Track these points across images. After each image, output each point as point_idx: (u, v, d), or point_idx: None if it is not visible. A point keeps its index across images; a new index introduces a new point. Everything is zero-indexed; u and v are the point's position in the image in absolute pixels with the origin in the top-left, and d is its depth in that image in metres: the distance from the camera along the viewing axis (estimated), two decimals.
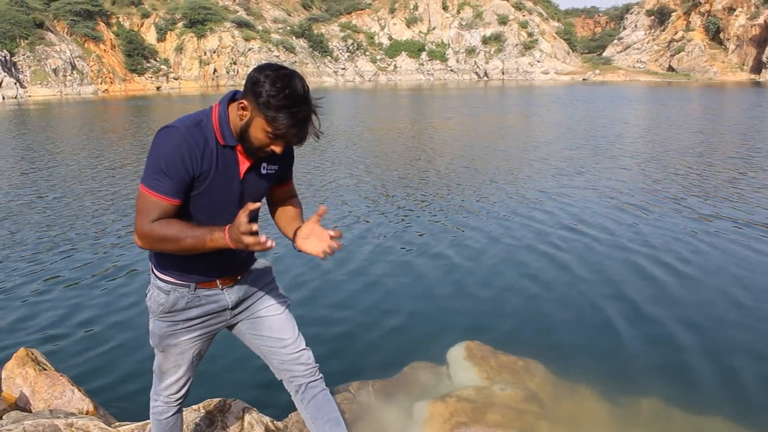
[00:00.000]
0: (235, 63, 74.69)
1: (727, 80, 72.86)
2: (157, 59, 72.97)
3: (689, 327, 5.17)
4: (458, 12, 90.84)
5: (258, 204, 2.05)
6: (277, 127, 2.02)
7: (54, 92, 56.92)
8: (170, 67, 72.75)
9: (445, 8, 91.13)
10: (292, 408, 3.84)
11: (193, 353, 2.46)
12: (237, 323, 2.51)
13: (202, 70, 73.31)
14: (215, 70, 73.64)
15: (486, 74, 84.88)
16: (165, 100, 47.36)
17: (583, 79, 78.18)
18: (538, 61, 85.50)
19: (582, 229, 8.17)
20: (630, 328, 5.18)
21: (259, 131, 2.06)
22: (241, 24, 77.18)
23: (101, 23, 68.54)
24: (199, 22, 74.76)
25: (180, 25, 75.25)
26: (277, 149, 2.11)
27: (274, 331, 2.48)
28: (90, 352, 4.97)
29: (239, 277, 2.42)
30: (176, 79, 71.52)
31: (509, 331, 5.19)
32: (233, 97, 2.18)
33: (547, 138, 18.87)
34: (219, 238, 2.02)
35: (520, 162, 13.88)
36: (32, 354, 3.87)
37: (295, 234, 2.26)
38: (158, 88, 67.74)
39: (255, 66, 2.12)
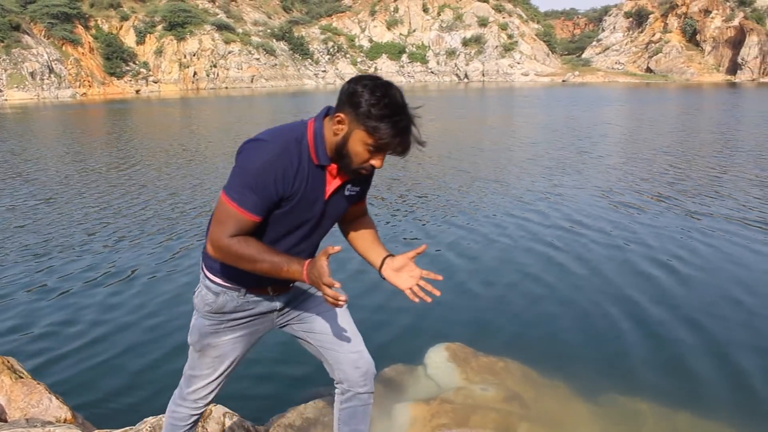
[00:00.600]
0: (215, 66, 74.29)
1: (703, 81, 73.74)
2: (137, 62, 72.36)
3: (673, 323, 5.22)
4: (438, 14, 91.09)
5: (338, 248, 1.97)
6: (379, 137, 1.93)
7: (31, 96, 56.23)
8: (150, 71, 72.18)
9: (425, 10, 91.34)
10: (272, 412, 3.83)
11: (232, 358, 2.35)
12: (287, 324, 2.41)
13: (182, 73, 72.83)
14: (195, 73, 73.17)
15: (466, 76, 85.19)
16: (144, 103, 47.02)
17: (563, 81, 78.74)
18: (518, 63, 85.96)
19: (568, 227, 8.23)
20: (611, 326, 5.22)
21: (358, 145, 1.97)
22: (221, 27, 76.80)
23: (79, 26, 67.81)
24: (178, 25, 74.27)
25: (159, 27, 74.70)
26: (376, 163, 2.02)
27: (329, 328, 2.37)
28: (70, 359, 4.91)
29: (291, 285, 2.33)
30: (156, 83, 70.98)
31: (490, 332, 5.21)
32: (328, 112, 2.08)
33: (534, 139, 18.99)
34: (296, 272, 1.99)
35: (507, 162, 13.95)
36: (8, 362, 3.81)
37: (383, 262, 2.22)
38: (137, 92, 67.18)
39: (351, 78, 2.04)
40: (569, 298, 5.84)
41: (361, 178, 2.19)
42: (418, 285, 2.15)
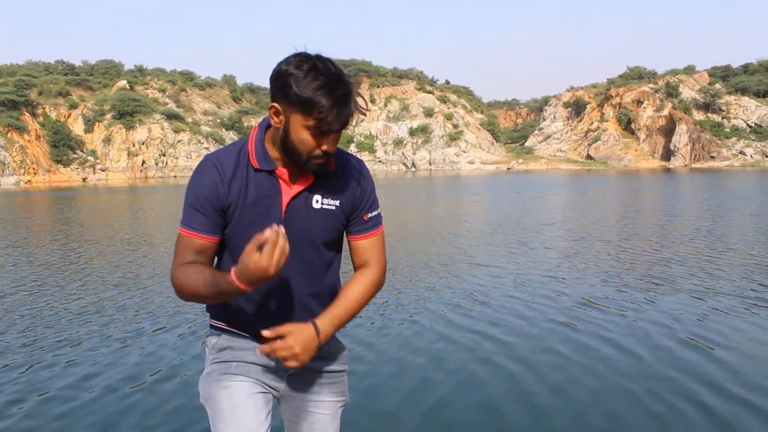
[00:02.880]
0: (164, 155, 74.27)
1: (641, 167, 77.01)
2: (84, 150, 71.80)
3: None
4: (385, 105, 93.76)
5: (277, 228, 1.63)
6: (318, 113, 1.73)
7: None
8: (97, 158, 71.65)
9: (372, 101, 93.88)
10: None
11: (252, 414, 1.96)
12: (283, 397, 2.15)
13: (131, 162, 72.47)
14: (144, 162, 72.90)
15: (414, 164, 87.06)
16: (90, 191, 46.29)
17: (508, 168, 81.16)
18: (464, 152, 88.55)
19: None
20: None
21: (300, 130, 1.79)
22: (170, 116, 77.28)
23: (26, 113, 67.39)
24: (128, 114, 74.47)
25: (108, 116, 74.74)
26: (327, 147, 1.82)
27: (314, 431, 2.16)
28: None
29: None
30: (103, 171, 70.33)
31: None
32: None
33: (495, 224, 19.31)
34: (230, 281, 1.71)
35: (459, 249, 14.11)
36: None
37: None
38: (84, 180, 66.33)
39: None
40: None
41: (339, 188, 1.97)
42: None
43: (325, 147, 1.82)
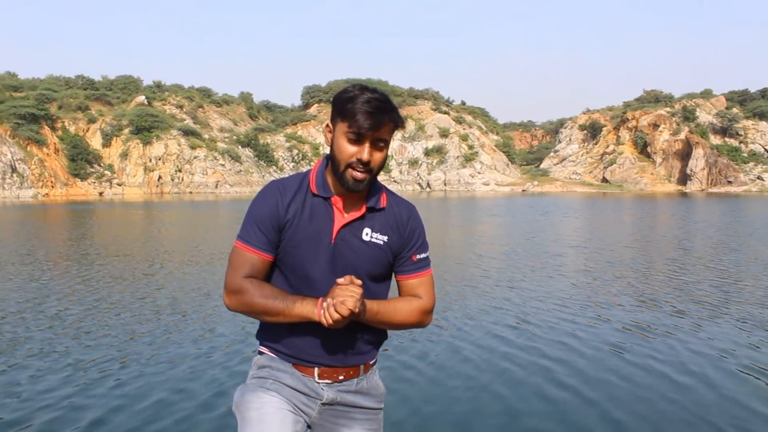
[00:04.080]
0: (180, 170, 74.71)
1: (657, 191, 76.77)
2: (101, 164, 72.46)
3: None
4: None
5: (359, 283, 1.90)
6: (352, 115, 1.91)
7: None
8: (114, 173, 72.21)
9: None
10: None
11: (278, 424, 2.00)
12: (315, 425, 2.15)
13: (147, 177, 72.95)
14: (160, 177, 73.37)
15: (428, 185, 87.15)
16: (107, 206, 46.53)
17: (523, 190, 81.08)
18: (479, 173, 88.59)
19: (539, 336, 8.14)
20: None
21: (340, 138, 1.96)
22: (187, 132, 77.86)
23: (46, 127, 68.14)
24: (145, 129, 75.15)
25: (126, 131, 75.45)
26: (362, 155, 1.94)
27: None
28: None
29: (342, 377, 2.12)
30: (120, 185, 70.87)
31: None
32: None
33: (524, 247, 19.19)
34: (311, 307, 1.93)
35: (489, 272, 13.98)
36: None
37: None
38: (101, 194, 66.81)
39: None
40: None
41: (388, 225, 2.08)
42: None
43: (360, 155, 1.94)
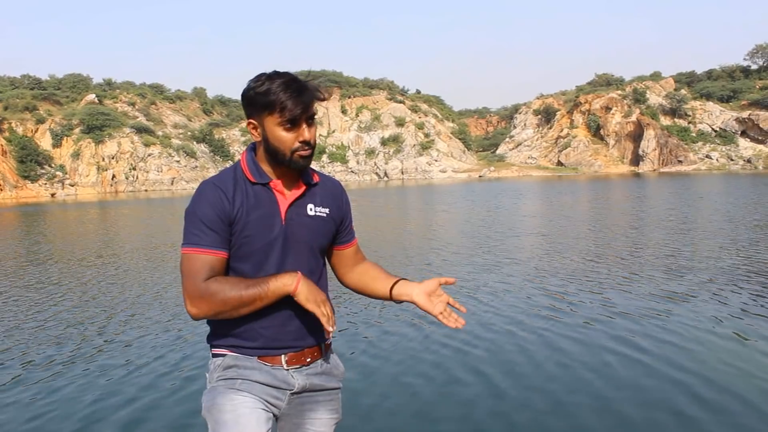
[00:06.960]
0: (134, 168, 73.51)
1: (610, 172, 78.11)
2: (52, 165, 70.83)
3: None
4: (357, 115, 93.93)
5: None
6: (279, 105, 1.94)
7: None
8: (66, 173, 70.64)
9: (343, 112, 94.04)
10: None
11: (254, 424, 1.98)
12: (283, 416, 2.17)
13: (101, 176, 71.58)
14: (114, 176, 72.08)
15: (386, 174, 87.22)
16: (59, 207, 45.55)
17: (480, 176, 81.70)
18: (436, 160, 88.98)
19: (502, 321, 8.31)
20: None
21: (274, 130, 1.99)
22: (140, 129, 76.57)
23: None
24: (97, 128, 73.65)
25: (77, 130, 73.85)
26: (303, 135, 2.01)
27: None
28: None
29: (309, 359, 2.14)
30: (72, 186, 69.39)
31: None
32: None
33: (471, 232, 19.38)
34: (287, 283, 1.97)
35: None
36: None
37: (395, 284, 2.20)
38: (53, 195, 65.36)
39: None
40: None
41: (326, 198, 2.17)
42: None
43: (301, 137, 2.00)
